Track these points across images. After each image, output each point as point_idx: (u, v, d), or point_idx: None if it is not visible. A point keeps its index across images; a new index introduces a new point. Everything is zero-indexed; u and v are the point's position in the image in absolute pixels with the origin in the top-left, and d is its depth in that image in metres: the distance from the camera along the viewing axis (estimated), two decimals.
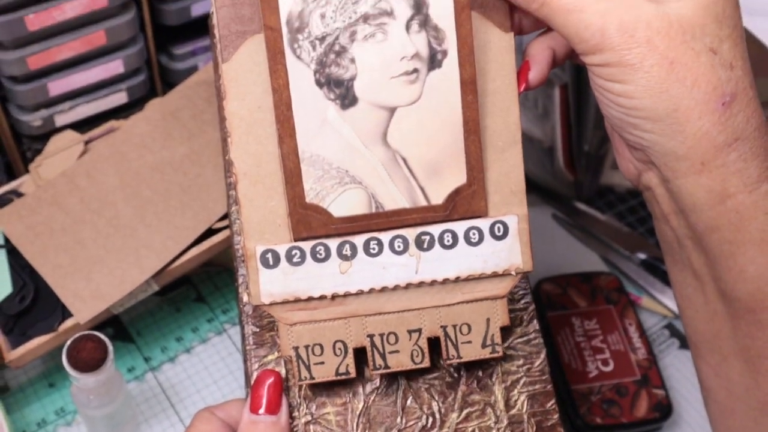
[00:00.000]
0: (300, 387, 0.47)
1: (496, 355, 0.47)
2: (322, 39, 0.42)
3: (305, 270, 0.45)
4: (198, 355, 0.71)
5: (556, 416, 0.49)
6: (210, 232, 0.65)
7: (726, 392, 0.47)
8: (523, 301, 0.50)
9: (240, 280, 0.50)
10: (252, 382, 0.47)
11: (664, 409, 0.66)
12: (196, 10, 0.69)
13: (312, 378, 0.46)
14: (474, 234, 0.46)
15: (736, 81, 0.41)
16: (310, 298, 0.45)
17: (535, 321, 0.50)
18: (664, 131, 0.41)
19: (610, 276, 0.75)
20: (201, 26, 0.70)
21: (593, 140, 0.76)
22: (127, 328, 0.72)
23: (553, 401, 0.49)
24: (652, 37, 0.39)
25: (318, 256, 0.45)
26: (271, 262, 0.44)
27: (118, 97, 0.70)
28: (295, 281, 0.45)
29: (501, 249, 0.46)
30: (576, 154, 0.79)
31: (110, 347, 0.58)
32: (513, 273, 0.46)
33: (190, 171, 0.66)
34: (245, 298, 0.48)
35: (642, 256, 0.77)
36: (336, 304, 0.46)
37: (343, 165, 0.44)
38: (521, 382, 0.49)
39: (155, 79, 0.72)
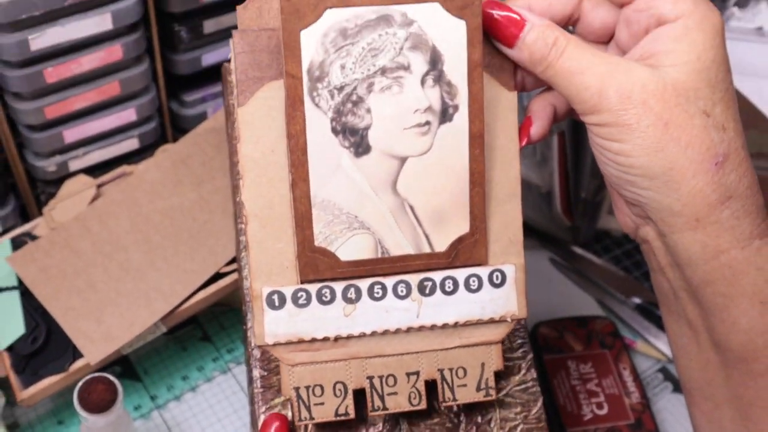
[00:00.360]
0: (306, 428, 0.48)
1: (489, 398, 0.47)
2: (341, 89, 0.43)
3: (310, 312, 0.45)
4: (203, 394, 0.71)
5: None
6: (217, 276, 0.65)
7: (718, 426, 0.48)
8: (521, 350, 0.51)
9: (248, 323, 0.50)
10: (259, 425, 0.47)
11: None
12: (206, 60, 0.70)
13: (312, 418, 0.46)
14: (474, 281, 0.46)
15: (728, 142, 0.41)
16: (313, 340, 0.45)
17: (532, 369, 0.51)
18: (660, 188, 0.42)
19: (605, 320, 0.75)
20: (210, 75, 0.72)
21: (590, 187, 0.77)
22: (134, 367, 0.72)
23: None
24: (647, 100, 0.40)
25: (323, 298, 0.45)
26: (276, 303, 0.44)
27: (130, 143, 0.71)
28: (299, 323, 0.45)
29: (498, 296, 0.47)
30: (573, 200, 0.80)
31: (120, 389, 0.58)
32: (509, 320, 0.47)
33: (199, 217, 0.67)
34: (252, 340, 0.48)
35: (637, 300, 0.78)
36: (338, 345, 0.46)
37: (353, 210, 0.44)
38: (519, 428, 0.49)
39: (166, 126, 0.73)
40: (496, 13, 0.43)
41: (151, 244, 0.66)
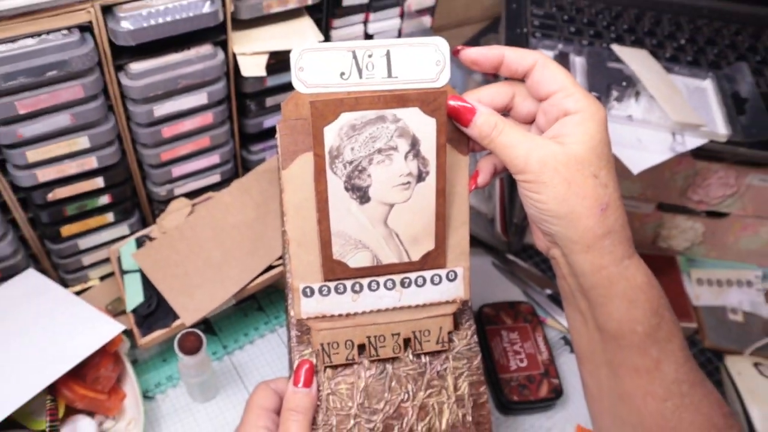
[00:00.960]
0: (324, 370, 0.49)
1: (444, 349, 0.50)
2: (351, 162, 0.45)
3: (330, 299, 0.48)
4: (257, 346, 0.74)
5: (485, 396, 0.51)
6: (269, 268, 0.68)
7: (597, 387, 0.49)
8: (467, 323, 0.52)
9: (288, 301, 0.50)
10: (294, 366, 0.49)
11: (558, 392, 0.70)
12: (267, 124, 0.73)
13: (331, 362, 0.48)
14: (437, 278, 0.49)
15: (609, 195, 0.43)
16: (332, 316, 0.48)
17: (475, 336, 0.51)
18: (564, 225, 0.44)
19: (527, 304, 0.78)
20: (269, 133, 0.75)
21: (520, 215, 0.80)
22: (213, 326, 0.75)
23: (484, 387, 0.51)
24: (557, 167, 0.42)
25: (338, 290, 0.48)
26: (308, 294, 0.47)
27: (214, 178, 0.74)
28: (323, 305, 0.48)
29: (452, 287, 0.49)
30: (508, 224, 0.83)
31: (204, 340, 0.62)
32: (457, 301, 0.49)
33: (257, 229, 0.70)
34: (292, 313, 0.49)
35: (549, 291, 0.81)
36: (348, 319, 0.48)
37: (358, 237, 0.46)
38: (464, 374, 0.51)
39: (238, 166, 0.76)
40: (458, 104, 0.45)
41: (225, 246, 0.69)
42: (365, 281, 0.48)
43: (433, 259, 0.48)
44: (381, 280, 0.48)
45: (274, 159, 0.75)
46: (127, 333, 0.67)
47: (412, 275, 0.48)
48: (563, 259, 0.46)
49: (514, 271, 0.84)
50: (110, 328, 0.62)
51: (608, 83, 0.70)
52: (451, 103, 0.45)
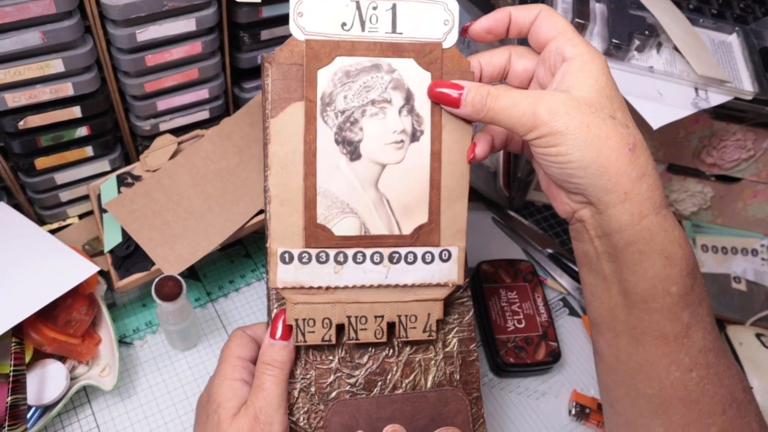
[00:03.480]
0: (303, 348, 0.46)
1: (431, 338, 0.46)
2: (343, 112, 0.42)
3: (310, 268, 0.43)
4: (243, 294, 0.70)
5: (475, 354, 0.48)
6: (257, 213, 0.63)
7: (614, 357, 0.45)
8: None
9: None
10: (272, 317, 0.45)
11: (555, 355, 0.66)
12: (261, 59, 0.68)
13: (305, 341, 0.44)
14: (428, 256, 0.45)
15: (633, 135, 0.39)
16: (311, 288, 0.44)
17: (468, 290, 0.49)
18: (594, 174, 0.39)
19: (527, 263, 0.73)
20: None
21: (524, 170, 0.75)
22: (197, 272, 0.71)
23: (474, 344, 0.48)
24: (569, 111, 0.38)
25: (320, 259, 0.43)
26: (287, 260, 0.43)
27: (203, 114, 0.68)
28: (302, 275, 0.43)
29: (445, 268, 0.45)
30: (511, 178, 0.78)
31: (184, 285, 0.58)
32: (450, 285, 0.45)
33: (240, 175, 0.65)
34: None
35: (550, 250, 0.76)
36: (328, 293, 0.44)
37: (346, 199, 0.43)
38: (454, 330, 0.48)
39: (229, 103, 0.71)
40: (441, 89, 0.42)
41: (207, 194, 0.64)
42: (350, 252, 0.44)
43: (426, 235, 0.44)
44: (368, 252, 0.44)
45: (255, 101, 0.69)
46: (105, 276, 0.63)
47: (402, 250, 0.44)
48: (594, 219, 0.42)
49: (514, 228, 0.79)
50: (84, 269, 0.57)
51: (630, 31, 0.63)
52: (437, 89, 0.43)
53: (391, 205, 0.44)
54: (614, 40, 0.62)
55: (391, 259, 0.44)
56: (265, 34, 0.65)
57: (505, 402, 0.65)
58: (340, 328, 0.45)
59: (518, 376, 0.67)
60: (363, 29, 0.42)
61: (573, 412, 0.64)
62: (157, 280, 0.57)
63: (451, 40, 0.43)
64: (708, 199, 0.79)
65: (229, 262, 0.72)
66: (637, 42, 0.63)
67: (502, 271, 0.72)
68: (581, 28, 0.63)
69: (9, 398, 0.50)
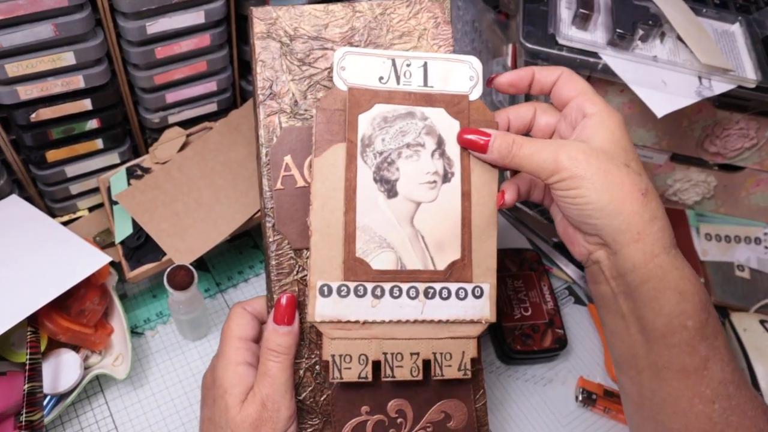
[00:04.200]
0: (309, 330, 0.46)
1: (466, 377, 0.46)
2: (381, 153, 0.45)
3: (348, 301, 0.44)
4: (252, 284, 0.70)
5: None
6: None
7: (639, 394, 0.46)
8: None
9: (268, 239, 0.46)
10: (274, 299, 0.45)
11: (562, 342, 0.66)
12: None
13: (341, 378, 0.44)
14: (462, 292, 0.46)
15: (645, 182, 0.43)
16: (347, 322, 0.44)
17: None
18: (609, 215, 0.42)
19: (533, 252, 0.74)
20: None
21: None
22: (206, 263, 0.71)
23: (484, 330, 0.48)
24: (588, 158, 0.42)
25: (358, 293, 0.44)
26: (325, 293, 0.44)
27: (211, 107, 0.69)
28: (340, 308, 0.44)
29: (477, 305, 0.46)
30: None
31: (195, 275, 0.58)
32: (483, 322, 0.46)
33: (249, 167, 0.65)
34: (270, 238, 0.46)
35: (555, 240, 0.77)
36: (364, 328, 0.45)
37: (384, 234, 0.45)
38: None
39: (236, 96, 0.71)
40: (469, 136, 0.45)
41: (216, 186, 0.64)
42: (387, 286, 0.45)
43: (459, 270, 0.46)
44: (404, 286, 0.45)
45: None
46: (117, 267, 0.63)
47: (437, 285, 0.45)
48: (609, 260, 0.44)
49: (520, 219, 0.79)
50: (96, 259, 0.57)
51: (634, 21, 0.63)
52: (466, 136, 0.46)
53: (425, 240, 0.45)
54: (618, 30, 0.62)
55: (426, 294, 0.45)
56: None
57: (512, 389, 0.66)
58: (375, 365, 0.45)
59: (525, 364, 0.67)
60: (398, 83, 0.46)
61: (580, 398, 0.65)
62: (169, 269, 0.58)
63: (476, 94, 0.47)
64: (711, 189, 0.79)
65: (238, 254, 0.73)
66: (640, 32, 0.63)
67: (508, 260, 0.73)
68: (585, 19, 0.64)
69: (26, 386, 0.51)
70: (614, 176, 0.42)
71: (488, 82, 0.49)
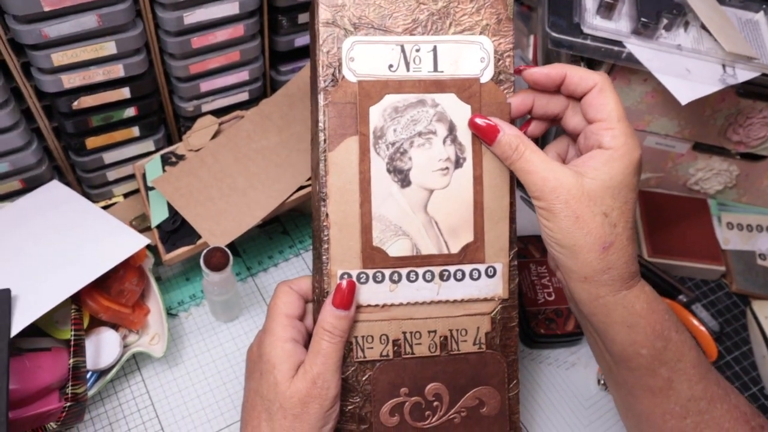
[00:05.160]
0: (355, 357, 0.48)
1: (481, 350, 0.49)
2: (393, 144, 0.46)
3: (367, 287, 0.46)
4: (282, 269, 0.72)
5: (516, 320, 0.50)
6: (297, 190, 0.65)
7: (621, 406, 0.50)
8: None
9: (323, 221, 0.46)
10: (331, 280, 0.46)
11: None
12: (298, 42, 0.69)
13: (365, 357, 0.47)
14: (475, 273, 0.48)
15: (615, 235, 0.43)
16: (368, 305, 0.46)
17: (515, 260, 0.50)
18: (566, 254, 0.44)
19: None
20: (300, 53, 0.71)
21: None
22: (237, 248, 0.73)
23: (516, 312, 0.50)
24: (569, 200, 0.43)
25: (376, 279, 0.46)
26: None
27: (242, 96, 0.70)
28: (360, 294, 0.46)
29: (491, 283, 0.48)
30: None
31: (231, 257, 0.60)
32: (496, 299, 0.49)
33: (281, 154, 0.67)
34: (325, 231, 0.46)
35: None
36: (384, 310, 0.47)
37: (399, 223, 0.46)
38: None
39: (267, 86, 0.73)
40: (483, 122, 0.46)
41: (249, 172, 0.66)
42: (404, 271, 0.47)
43: (473, 252, 0.47)
44: (420, 271, 0.47)
45: (292, 83, 0.71)
46: (152, 251, 0.65)
47: (451, 268, 0.47)
48: (565, 283, 0.47)
49: None
50: (135, 241, 0.60)
51: (658, 10, 0.64)
52: (477, 121, 0.46)
53: (439, 226, 0.46)
54: (642, 19, 0.63)
55: (441, 276, 0.47)
56: (302, 18, 0.67)
57: (536, 372, 0.67)
58: (395, 344, 0.47)
59: (548, 347, 0.69)
60: (408, 69, 0.46)
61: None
62: (205, 251, 0.60)
63: (487, 75, 0.47)
64: (733, 178, 0.80)
65: (268, 239, 0.74)
66: (665, 21, 0.64)
67: (531, 247, 0.74)
68: (610, 8, 0.65)
69: (71, 360, 0.53)
70: (585, 224, 0.43)
71: (516, 71, 0.48)
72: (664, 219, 0.79)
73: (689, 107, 0.70)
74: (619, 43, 0.63)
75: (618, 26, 0.65)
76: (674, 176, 0.81)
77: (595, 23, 0.65)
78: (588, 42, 0.64)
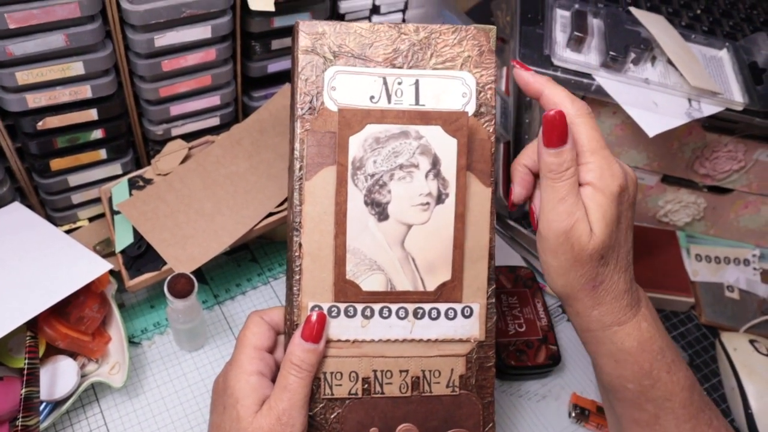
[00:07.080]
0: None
1: (454, 394, 0.47)
2: (372, 176, 0.44)
3: (338, 321, 0.45)
4: (250, 297, 0.70)
5: (493, 360, 0.49)
6: (265, 217, 0.64)
7: (612, 427, 0.51)
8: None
9: (296, 252, 0.46)
10: (299, 313, 0.45)
11: (555, 359, 0.67)
12: (271, 68, 0.69)
13: (332, 395, 0.46)
14: (451, 312, 0.46)
15: (606, 274, 0.43)
16: (339, 340, 0.45)
17: (493, 297, 0.48)
18: (558, 288, 0.45)
19: (527, 269, 0.75)
20: (273, 79, 0.70)
21: None
22: (204, 275, 0.72)
23: (492, 351, 0.49)
24: (572, 246, 0.42)
25: (348, 313, 0.45)
26: None
27: (213, 120, 0.69)
28: (331, 328, 0.45)
29: (467, 324, 0.47)
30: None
31: (196, 283, 0.58)
32: (472, 341, 0.47)
33: (249, 179, 0.66)
34: (297, 261, 0.45)
35: None
36: (355, 346, 0.46)
37: (374, 257, 0.45)
38: None
39: (239, 111, 0.72)
40: (551, 115, 0.42)
41: (217, 197, 0.65)
42: (377, 307, 0.46)
43: (449, 291, 0.46)
44: (393, 307, 0.46)
45: (264, 108, 0.71)
46: (116, 276, 0.64)
47: (426, 306, 0.46)
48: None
49: (514, 237, 0.81)
50: (97, 266, 0.58)
51: (626, 44, 0.66)
52: (551, 113, 0.43)
53: (416, 262, 0.45)
54: (611, 53, 0.64)
55: (415, 314, 0.46)
56: (276, 44, 0.67)
57: (506, 404, 0.66)
58: (366, 381, 0.46)
59: (519, 379, 0.68)
60: (389, 102, 0.45)
61: (573, 414, 0.65)
62: (170, 277, 0.58)
63: (470, 110, 0.46)
64: (701, 210, 0.81)
65: (236, 266, 0.73)
66: (632, 55, 0.65)
67: (503, 277, 0.74)
68: (580, 42, 0.66)
69: (23, 390, 0.51)
70: (579, 266, 0.43)
71: (513, 61, 0.48)
72: (634, 251, 0.79)
73: (657, 140, 0.71)
74: (589, 76, 0.64)
75: (587, 59, 0.66)
76: (644, 208, 0.82)
77: (565, 56, 0.66)
78: (558, 74, 0.64)
